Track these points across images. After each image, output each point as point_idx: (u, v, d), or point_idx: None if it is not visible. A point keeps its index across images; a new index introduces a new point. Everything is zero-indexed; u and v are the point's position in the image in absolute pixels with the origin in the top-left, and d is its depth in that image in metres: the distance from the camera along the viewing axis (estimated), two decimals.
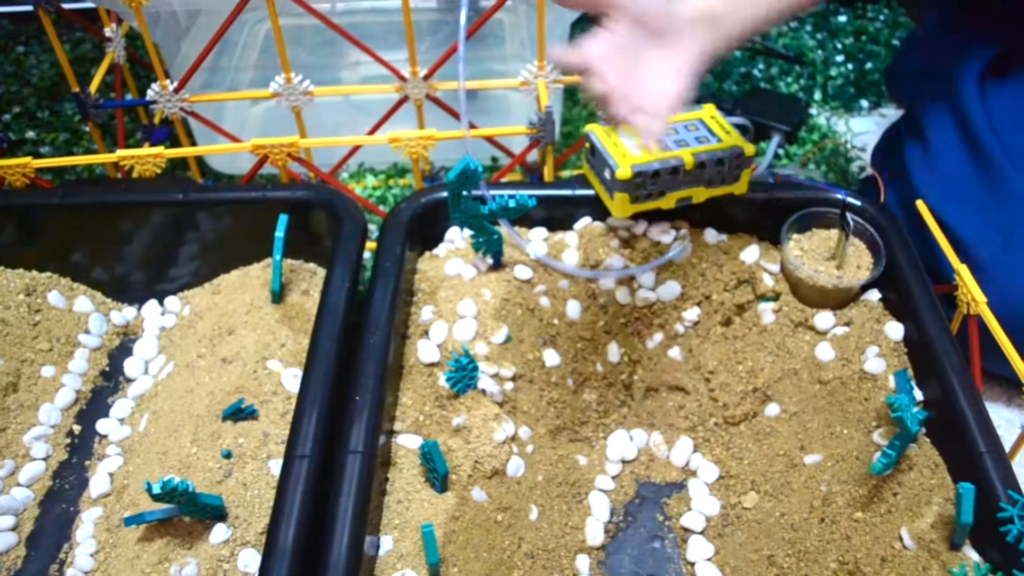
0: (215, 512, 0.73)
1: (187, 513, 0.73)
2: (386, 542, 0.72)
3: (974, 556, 0.71)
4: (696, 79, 0.76)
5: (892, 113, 1.36)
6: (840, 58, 1.46)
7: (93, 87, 1.07)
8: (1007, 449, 0.74)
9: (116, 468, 0.84)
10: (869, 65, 1.44)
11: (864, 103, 1.37)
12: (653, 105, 0.73)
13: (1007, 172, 0.90)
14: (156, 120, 1.22)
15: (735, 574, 0.76)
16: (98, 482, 0.83)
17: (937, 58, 1.02)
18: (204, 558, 0.72)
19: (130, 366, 0.94)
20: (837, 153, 1.26)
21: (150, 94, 1.05)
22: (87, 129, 1.32)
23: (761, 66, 1.45)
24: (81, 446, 0.88)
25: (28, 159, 0.96)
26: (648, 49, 0.74)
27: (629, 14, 0.73)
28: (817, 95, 1.38)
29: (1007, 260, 0.88)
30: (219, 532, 0.73)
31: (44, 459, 0.86)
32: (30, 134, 1.33)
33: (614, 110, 0.73)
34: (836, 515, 0.76)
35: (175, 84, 1.05)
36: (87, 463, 0.86)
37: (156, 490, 0.68)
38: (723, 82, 1.41)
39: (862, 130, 1.32)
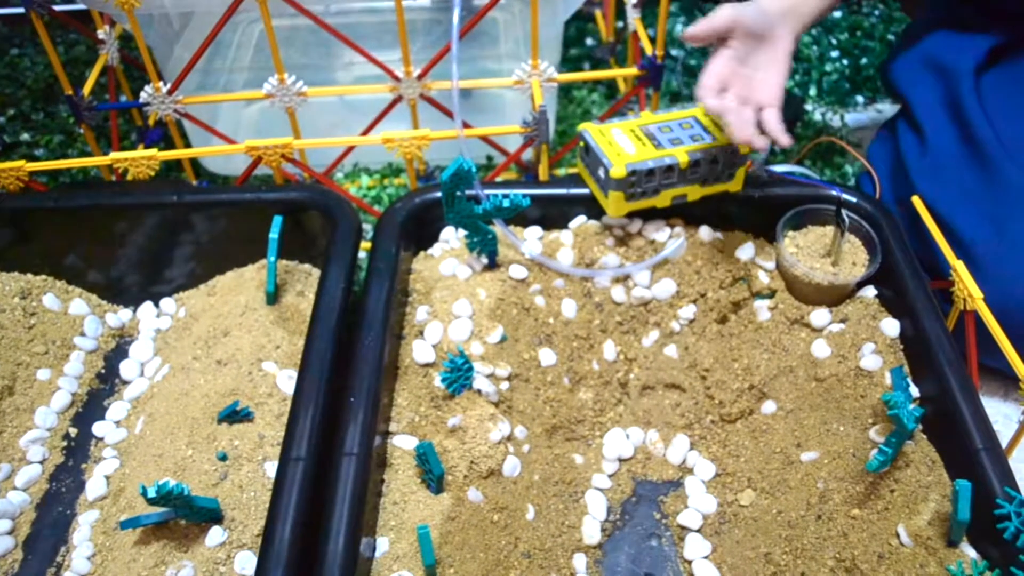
0: (211, 515, 0.73)
1: (183, 516, 0.73)
2: (382, 544, 0.72)
3: (972, 553, 0.71)
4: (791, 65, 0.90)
5: (888, 108, 1.36)
6: (835, 54, 1.46)
7: (87, 89, 1.07)
8: (1004, 444, 0.74)
9: (112, 471, 0.84)
10: (864, 60, 1.44)
11: (859, 99, 1.37)
12: (770, 99, 0.87)
13: (1003, 165, 0.90)
14: (150, 122, 1.22)
15: (732, 572, 0.76)
16: (94, 485, 0.83)
17: (933, 52, 1.03)
18: (200, 561, 0.72)
19: (126, 368, 0.94)
20: (832, 149, 1.26)
21: (143, 96, 1.05)
22: (81, 131, 1.32)
23: None
24: (77, 449, 0.88)
25: (22, 162, 0.96)
26: (754, 52, 0.88)
27: (741, 30, 0.86)
28: (812, 91, 1.38)
29: (1002, 253, 0.88)
30: (215, 535, 0.73)
31: (40, 462, 0.86)
32: (25, 136, 1.33)
33: (744, 114, 0.85)
34: (833, 512, 0.75)
35: (168, 86, 1.05)
36: (83, 466, 0.86)
37: (151, 494, 0.68)
38: None
39: (858, 125, 1.32)
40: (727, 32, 0.87)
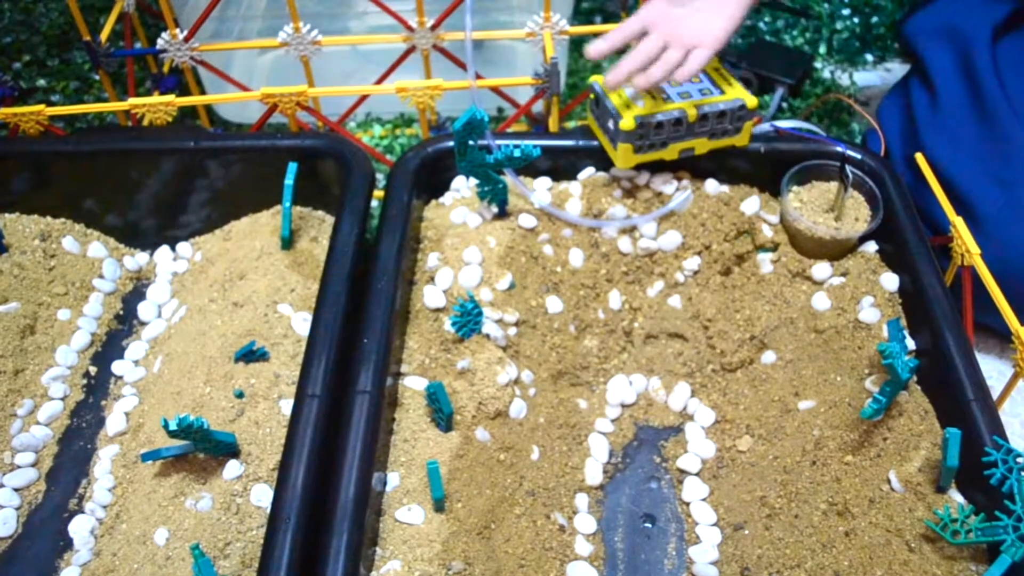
0: (228, 448, 0.76)
1: (201, 450, 0.75)
2: (393, 478, 0.75)
3: (959, 498, 0.73)
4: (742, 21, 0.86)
5: (897, 67, 1.36)
6: (846, 11, 1.45)
7: (104, 35, 1.08)
8: (996, 399, 0.76)
9: (132, 408, 0.87)
10: (875, 19, 1.43)
11: (869, 57, 1.38)
12: (701, 41, 0.83)
13: (1012, 128, 0.90)
14: (165, 69, 1.23)
15: (728, 514, 0.78)
16: (114, 421, 0.85)
17: (952, 12, 1.02)
18: (218, 493, 0.75)
19: (144, 310, 0.96)
20: (840, 107, 1.27)
21: (160, 43, 1.06)
22: (97, 78, 1.33)
23: (767, 19, 1.45)
24: (97, 387, 0.90)
25: (42, 107, 0.98)
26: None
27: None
28: (822, 48, 1.38)
29: (1009, 215, 0.89)
30: (232, 468, 0.76)
31: (62, 399, 0.88)
32: (41, 82, 1.34)
33: (666, 56, 0.82)
34: (827, 458, 0.78)
35: (185, 33, 1.06)
36: (103, 403, 0.89)
37: (172, 426, 0.71)
38: None
39: (866, 84, 1.33)
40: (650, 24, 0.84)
